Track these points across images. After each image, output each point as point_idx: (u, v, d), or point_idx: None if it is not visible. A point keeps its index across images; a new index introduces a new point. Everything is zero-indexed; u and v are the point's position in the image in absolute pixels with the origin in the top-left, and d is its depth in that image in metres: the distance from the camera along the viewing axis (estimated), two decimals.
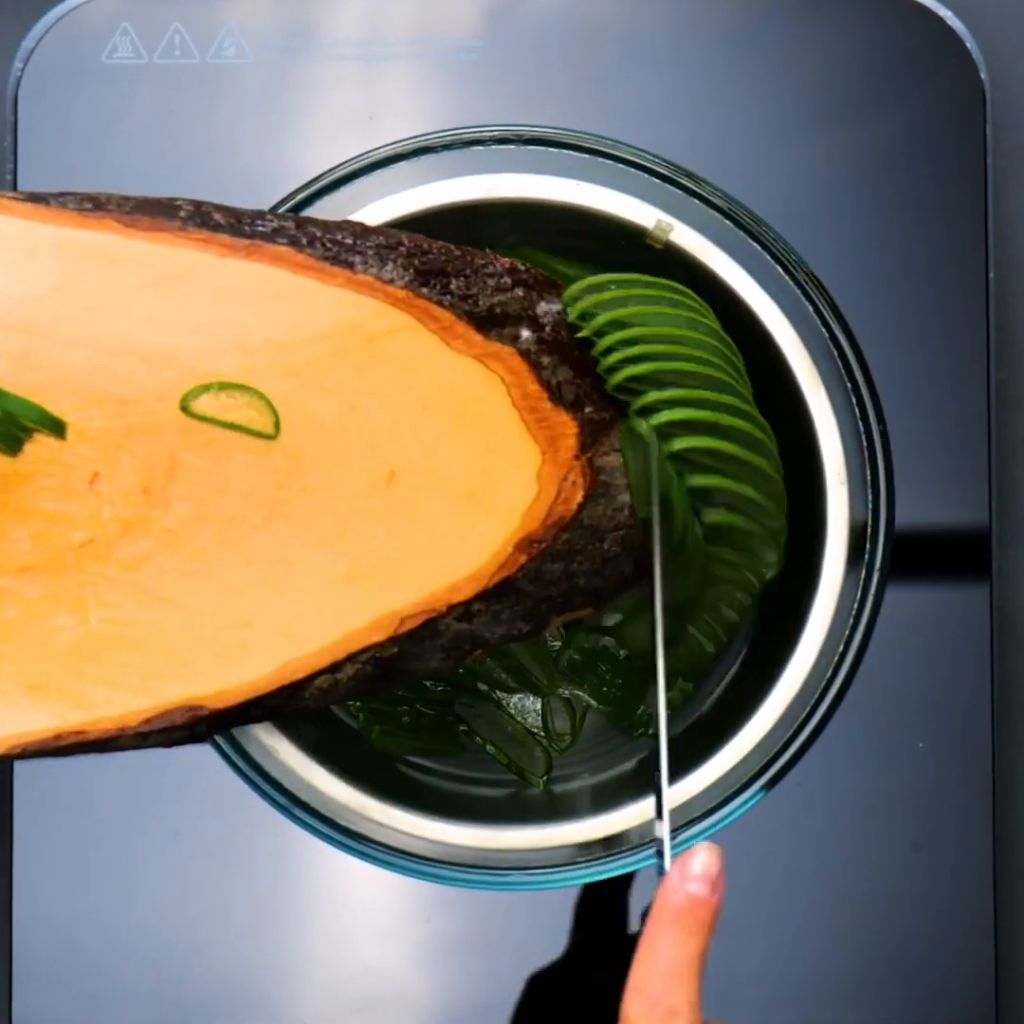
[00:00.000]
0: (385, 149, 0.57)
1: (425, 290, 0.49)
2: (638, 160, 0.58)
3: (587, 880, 0.57)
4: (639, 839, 0.57)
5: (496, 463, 0.49)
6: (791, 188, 0.62)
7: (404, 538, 0.48)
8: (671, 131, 0.62)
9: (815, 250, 0.58)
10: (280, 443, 0.47)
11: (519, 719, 0.61)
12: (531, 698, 0.61)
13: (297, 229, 0.48)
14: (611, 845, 0.57)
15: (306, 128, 0.62)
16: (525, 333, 0.50)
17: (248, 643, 0.47)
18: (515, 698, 0.61)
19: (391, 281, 0.48)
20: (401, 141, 0.57)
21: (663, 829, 0.48)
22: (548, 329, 0.50)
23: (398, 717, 0.60)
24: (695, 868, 0.45)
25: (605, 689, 0.61)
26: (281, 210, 0.56)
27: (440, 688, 0.60)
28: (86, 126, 0.61)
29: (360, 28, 0.62)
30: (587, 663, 0.61)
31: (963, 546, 0.62)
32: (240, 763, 0.56)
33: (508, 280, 0.50)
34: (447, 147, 0.57)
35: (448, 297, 0.49)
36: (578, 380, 0.50)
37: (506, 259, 0.51)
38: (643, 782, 0.58)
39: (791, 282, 0.57)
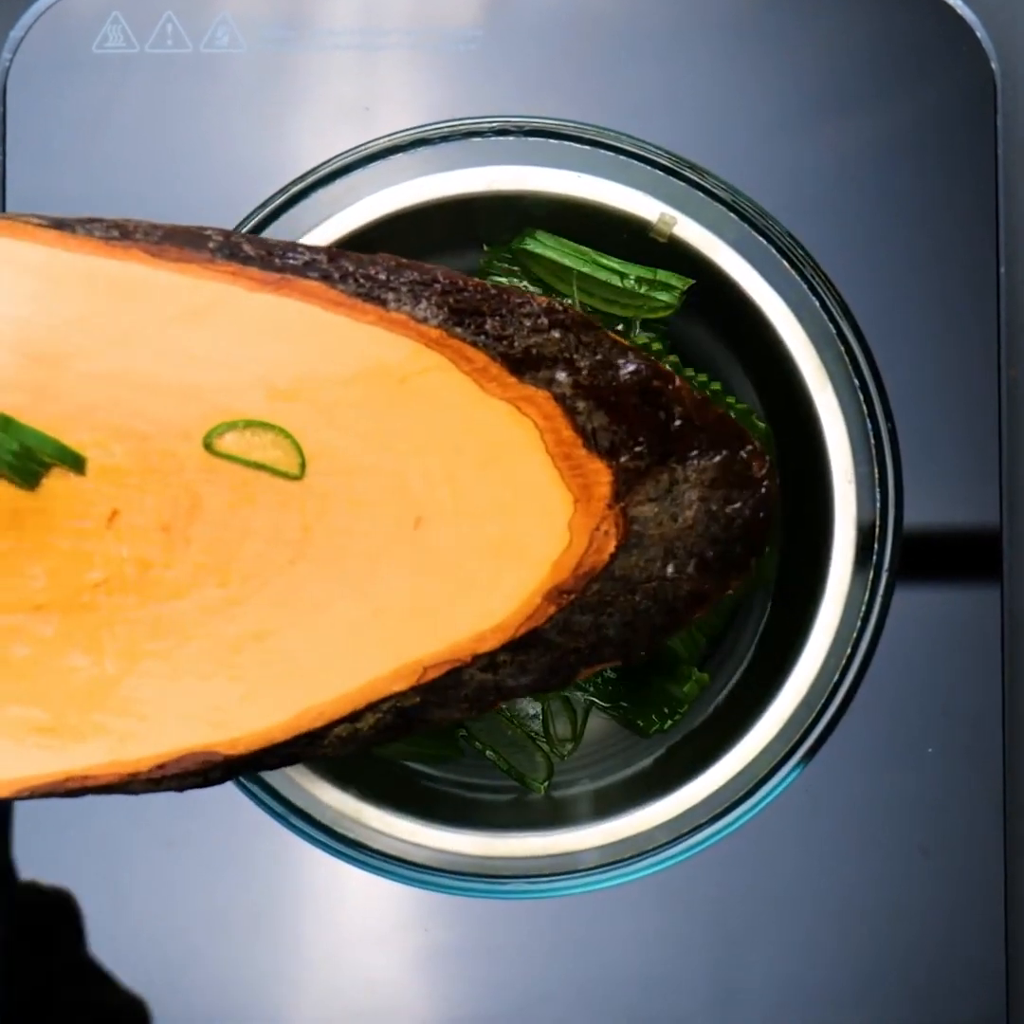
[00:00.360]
0: (382, 141, 0.57)
1: (459, 330, 0.48)
2: (641, 152, 0.57)
3: (589, 889, 0.56)
4: (645, 845, 0.56)
5: (527, 510, 0.48)
6: (797, 181, 0.61)
7: (430, 585, 0.48)
8: (675, 122, 0.61)
9: (822, 244, 0.58)
10: (306, 484, 0.47)
11: (519, 723, 0.61)
12: (531, 701, 0.61)
13: (329, 263, 0.47)
14: (614, 852, 0.56)
15: (301, 119, 0.61)
16: (561, 376, 0.49)
17: (266, 689, 0.46)
18: (515, 702, 0.61)
19: (425, 320, 0.47)
20: (398, 132, 0.57)
21: None
22: (585, 373, 0.49)
23: None
24: None
25: (611, 689, 0.61)
26: (276, 203, 0.56)
27: None
28: (76, 118, 0.60)
29: (357, 17, 0.61)
30: None
31: (973, 546, 0.61)
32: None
33: (545, 321, 0.49)
34: (445, 139, 0.57)
35: (483, 337, 0.48)
36: (614, 427, 0.49)
37: (543, 298, 0.49)
38: (648, 786, 0.58)
39: (797, 277, 0.57)
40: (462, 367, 0.48)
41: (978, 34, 0.61)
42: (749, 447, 0.51)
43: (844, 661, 0.56)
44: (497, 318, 0.48)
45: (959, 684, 0.61)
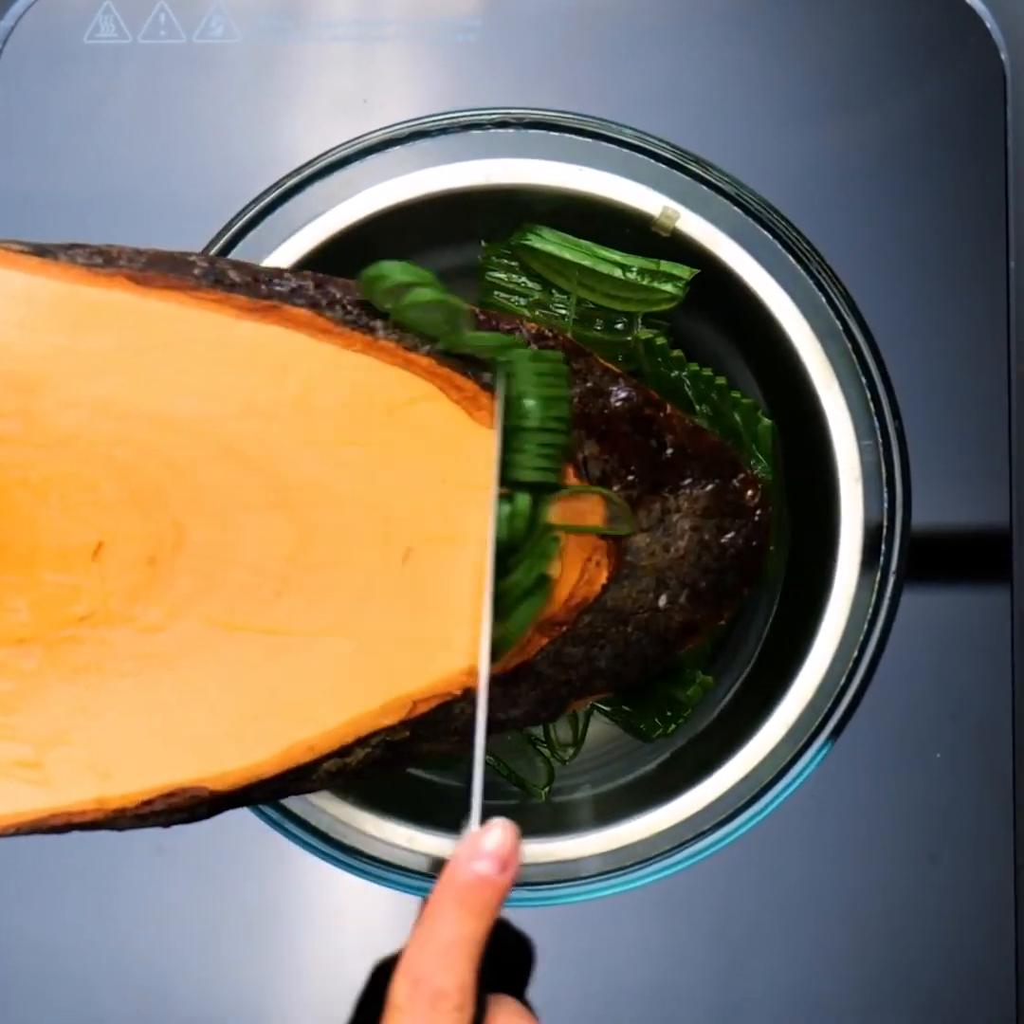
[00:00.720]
0: (379, 133, 0.57)
1: (448, 358, 0.47)
2: (643, 145, 0.57)
3: (591, 896, 0.56)
4: (647, 852, 0.56)
5: None
6: (803, 174, 0.61)
7: (419, 617, 0.47)
8: (678, 115, 0.60)
9: (828, 238, 0.57)
10: (292, 515, 0.46)
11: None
12: None
13: (316, 289, 0.46)
14: (616, 859, 0.56)
15: (297, 111, 0.61)
16: None
17: (254, 723, 0.46)
18: None
19: (414, 348, 0.47)
20: (396, 125, 0.57)
21: (475, 798, 0.45)
22: (576, 401, 0.49)
23: None
24: (486, 845, 0.43)
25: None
26: (271, 197, 0.56)
27: None
28: (68, 110, 0.60)
29: (353, 7, 0.61)
30: None
31: (982, 547, 0.60)
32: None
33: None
34: (444, 131, 0.56)
35: (473, 366, 0.47)
36: (605, 456, 0.49)
37: (533, 324, 0.49)
38: (651, 792, 0.57)
39: (803, 272, 0.56)
40: (451, 396, 0.47)
41: (987, 25, 0.60)
42: (741, 475, 0.51)
43: (851, 664, 0.56)
44: None
45: (968, 688, 0.60)
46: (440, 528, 0.47)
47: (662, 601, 0.50)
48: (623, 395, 0.49)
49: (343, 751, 0.47)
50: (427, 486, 0.47)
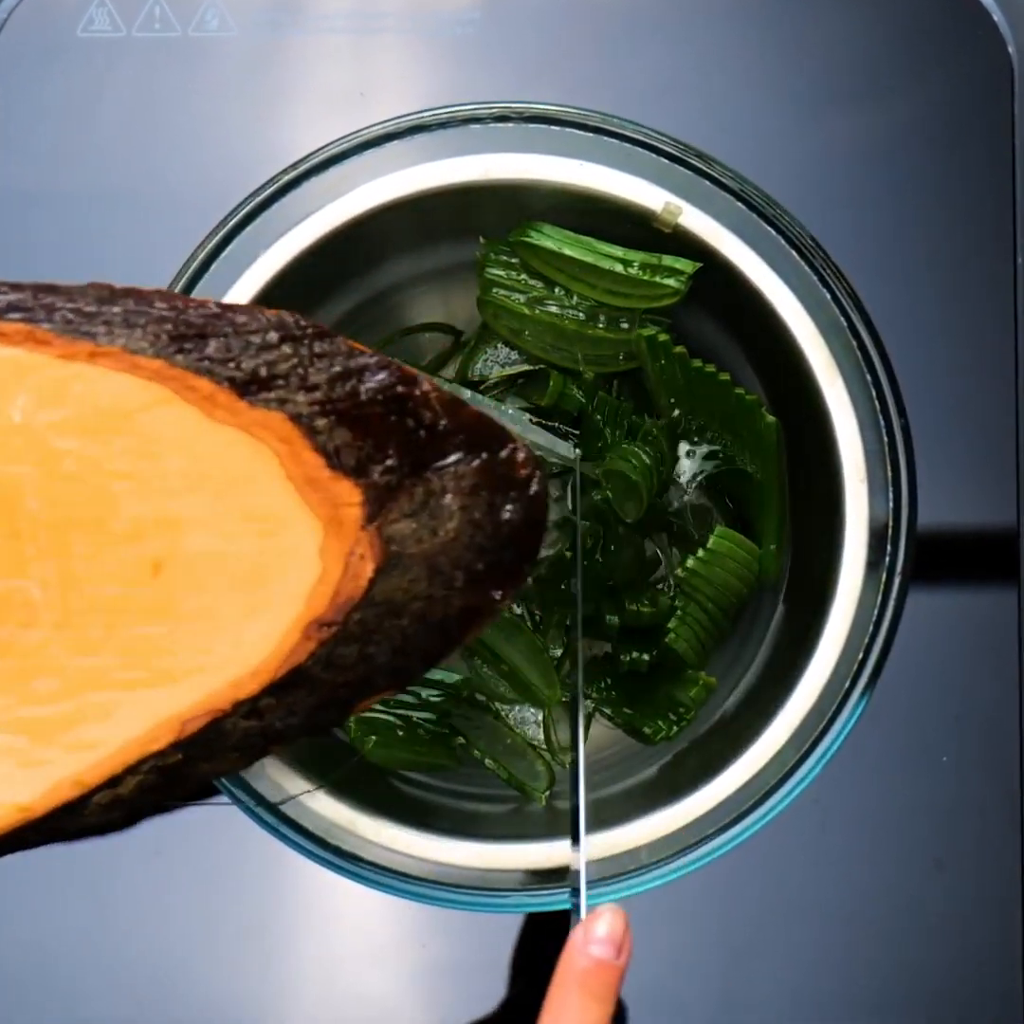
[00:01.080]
0: (377, 127, 0.56)
1: (180, 357, 0.45)
2: (645, 139, 0.56)
3: (592, 901, 0.55)
4: (647, 858, 0.55)
5: (273, 543, 0.46)
6: (807, 169, 0.61)
7: (177, 634, 0.45)
8: (680, 109, 0.60)
9: (832, 234, 0.57)
10: (37, 542, 0.44)
11: (519, 731, 0.60)
12: (531, 709, 0.60)
13: (33, 300, 0.44)
14: (616, 864, 0.55)
15: (294, 105, 0.61)
16: (295, 395, 0.46)
17: (18, 762, 0.44)
18: (515, 709, 0.60)
19: (141, 351, 0.44)
20: (394, 119, 0.56)
21: (580, 864, 0.47)
22: (322, 388, 0.46)
23: (392, 729, 0.58)
24: (599, 930, 0.45)
25: (615, 695, 0.60)
26: (267, 192, 0.55)
27: (436, 698, 0.59)
28: (61, 104, 0.60)
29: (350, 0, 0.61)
30: (590, 670, 0.60)
31: (989, 547, 0.60)
32: (223, 777, 0.54)
33: (274, 336, 0.46)
34: (443, 125, 0.56)
35: (206, 362, 0.45)
36: (359, 442, 0.46)
37: (272, 312, 0.47)
38: (653, 796, 0.57)
39: (807, 268, 0.56)
40: (187, 397, 0.45)
41: (995, 18, 0.60)
42: (511, 446, 0.48)
43: (856, 666, 0.55)
44: (220, 339, 0.45)
45: (974, 690, 0.60)
46: (191, 538, 0.45)
47: (437, 588, 0.48)
48: (373, 376, 0.47)
49: (113, 781, 0.45)
50: (172, 495, 0.45)
